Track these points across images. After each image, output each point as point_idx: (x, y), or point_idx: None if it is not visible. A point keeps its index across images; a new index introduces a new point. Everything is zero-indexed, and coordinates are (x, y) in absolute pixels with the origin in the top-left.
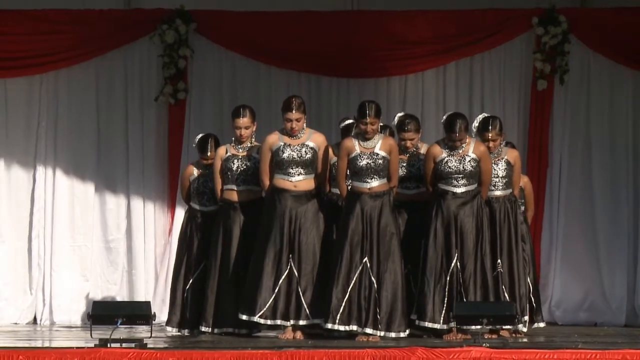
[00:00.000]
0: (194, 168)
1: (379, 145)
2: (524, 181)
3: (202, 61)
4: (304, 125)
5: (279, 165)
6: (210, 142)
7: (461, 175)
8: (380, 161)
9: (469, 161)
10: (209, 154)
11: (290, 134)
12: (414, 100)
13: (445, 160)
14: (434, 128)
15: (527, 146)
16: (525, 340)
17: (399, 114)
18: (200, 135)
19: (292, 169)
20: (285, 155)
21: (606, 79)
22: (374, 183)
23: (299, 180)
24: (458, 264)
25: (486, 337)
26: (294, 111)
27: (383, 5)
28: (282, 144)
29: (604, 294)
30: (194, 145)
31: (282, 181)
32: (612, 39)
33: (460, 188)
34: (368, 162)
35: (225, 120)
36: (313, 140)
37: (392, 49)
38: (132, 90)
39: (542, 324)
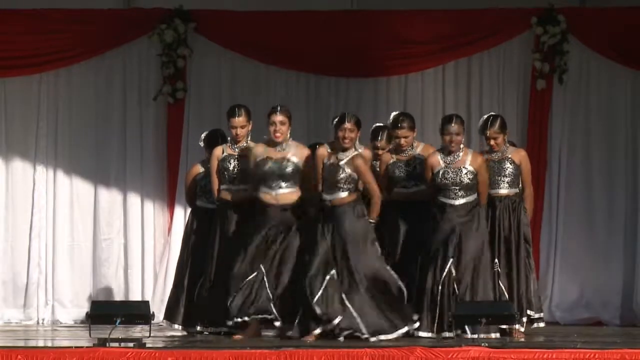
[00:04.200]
0: (200, 167)
1: (346, 160)
2: (521, 155)
3: (201, 60)
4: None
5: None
6: (219, 138)
7: (458, 187)
8: (342, 175)
9: (466, 173)
10: None
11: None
12: (414, 100)
13: (442, 172)
14: (434, 128)
15: (526, 146)
16: (524, 340)
17: (394, 113)
18: (207, 132)
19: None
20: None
21: (605, 78)
22: (335, 195)
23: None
24: (454, 273)
25: (485, 337)
26: (277, 113)
27: (382, 5)
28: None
29: (602, 294)
30: (200, 143)
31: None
32: (611, 39)
33: (458, 200)
34: (334, 175)
35: (223, 119)
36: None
37: (392, 48)
38: (131, 90)
39: (542, 324)
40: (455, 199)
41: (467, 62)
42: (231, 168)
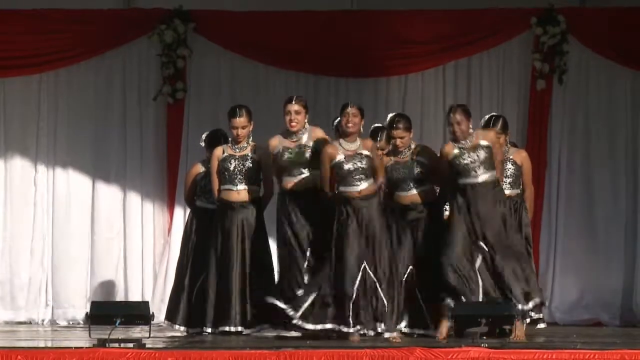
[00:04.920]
0: (201, 166)
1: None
2: (522, 156)
3: (201, 61)
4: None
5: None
6: (220, 138)
7: (478, 164)
8: (368, 162)
9: (483, 148)
10: None
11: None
12: (413, 100)
13: (459, 154)
14: (434, 128)
15: (526, 146)
16: (524, 340)
17: (390, 114)
18: (208, 132)
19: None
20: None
21: (604, 78)
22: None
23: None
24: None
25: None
26: (293, 102)
27: (382, 5)
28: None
29: (602, 294)
30: (201, 143)
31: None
32: (611, 39)
33: (479, 178)
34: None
35: (223, 119)
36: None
37: (392, 48)
38: (131, 90)
39: (543, 325)
40: (477, 177)
41: (467, 62)
42: (232, 168)
